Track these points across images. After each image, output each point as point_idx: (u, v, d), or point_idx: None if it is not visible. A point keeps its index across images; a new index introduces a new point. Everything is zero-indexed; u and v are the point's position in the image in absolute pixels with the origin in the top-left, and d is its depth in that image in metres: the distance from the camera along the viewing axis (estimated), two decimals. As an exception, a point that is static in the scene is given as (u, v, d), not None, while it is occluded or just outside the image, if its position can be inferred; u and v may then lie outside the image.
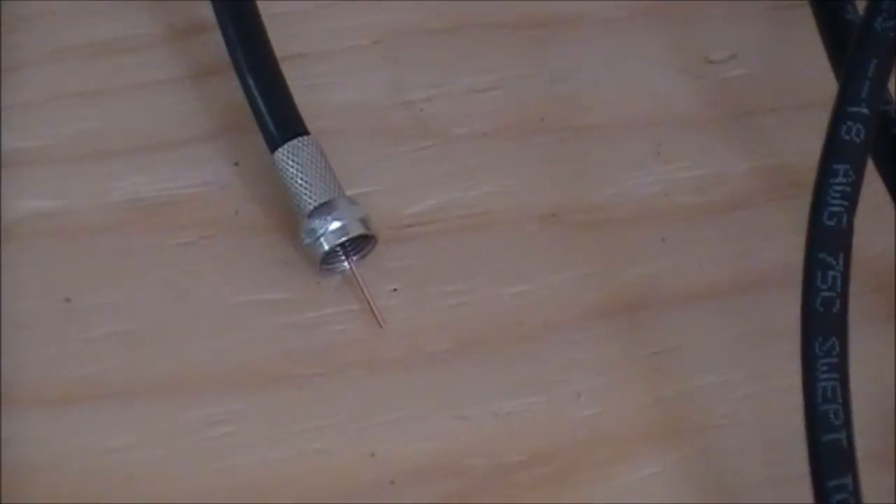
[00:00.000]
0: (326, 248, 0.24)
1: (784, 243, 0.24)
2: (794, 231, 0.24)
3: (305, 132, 0.25)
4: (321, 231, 0.24)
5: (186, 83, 0.26)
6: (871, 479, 0.20)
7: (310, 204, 0.24)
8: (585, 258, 0.24)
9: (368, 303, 0.24)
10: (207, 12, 0.26)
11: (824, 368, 0.20)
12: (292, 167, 0.24)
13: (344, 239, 0.24)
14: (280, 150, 0.25)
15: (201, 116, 0.27)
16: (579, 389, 0.23)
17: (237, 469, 0.22)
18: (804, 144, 0.25)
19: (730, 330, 0.24)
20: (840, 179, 0.20)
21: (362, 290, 0.24)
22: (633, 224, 0.25)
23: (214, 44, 0.26)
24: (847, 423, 0.20)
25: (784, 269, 0.24)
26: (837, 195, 0.20)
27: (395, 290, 0.25)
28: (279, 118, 0.25)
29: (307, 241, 0.24)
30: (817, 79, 0.25)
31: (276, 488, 0.22)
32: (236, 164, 0.26)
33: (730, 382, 0.23)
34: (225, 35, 0.25)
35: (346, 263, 0.24)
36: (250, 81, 0.25)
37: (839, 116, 0.21)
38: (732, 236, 0.25)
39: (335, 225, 0.24)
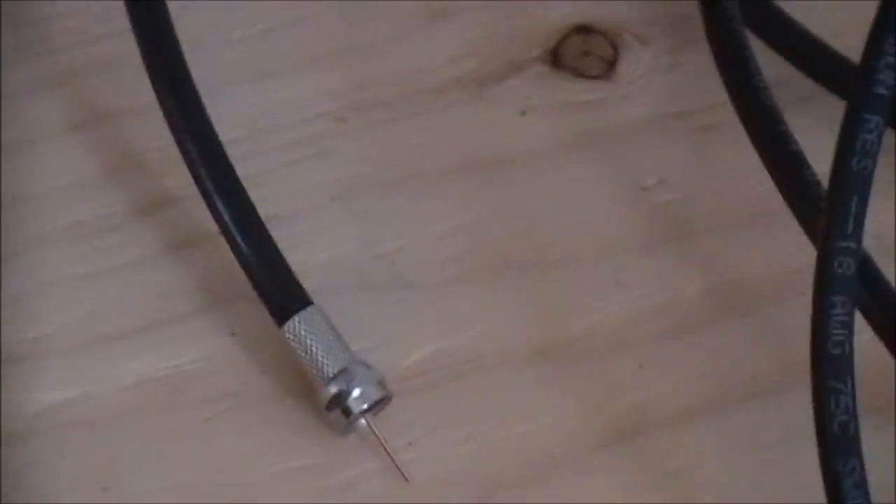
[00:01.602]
0: (352, 414, 0.26)
1: (749, 357, 0.27)
2: (754, 344, 0.27)
3: (310, 302, 0.26)
4: (345, 399, 0.26)
5: (169, 257, 0.28)
6: None
7: (329, 372, 0.26)
8: (576, 392, 0.27)
9: (392, 460, 0.26)
10: (175, 183, 0.28)
11: (850, 484, 0.22)
12: (308, 338, 0.26)
13: (366, 406, 0.26)
14: (291, 321, 0.26)
15: (189, 289, 0.28)
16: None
17: None
18: (745, 260, 0.29)
19: (725, 444, 0.26)
20: (838, 311, 0.23)
21: (385, 449, 0.26)
22: (610, 354, 0.27)
23: (185, 216, 0.29)
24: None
25: (755, 382, 0.27)
26: (838, 325, 0.23)
27: (409, 443, 0.27)
28: (284, 291, 0.27)
29: (332, 409, 0.26)
30: (744, 195, 0.29)
31: None
32: (233, 334, 0.28)
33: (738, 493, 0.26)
34: (214, 212, 0.27)
35: (362, 421, 0.26)
36: (250, 259, 0.27)
37: (830, 252, 0.24)
38: (701, 356, 0.28)
39: (357, 392, 0.26)
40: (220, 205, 0.27)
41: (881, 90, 0.25)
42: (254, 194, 0.28)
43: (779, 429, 0.26)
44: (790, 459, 0.26)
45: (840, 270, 0.24)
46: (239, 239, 0.27)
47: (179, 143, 0.28)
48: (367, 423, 0.26)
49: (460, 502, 0.27)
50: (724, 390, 0.28)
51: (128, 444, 0.26)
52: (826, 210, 0.25)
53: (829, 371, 0.23)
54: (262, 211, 0.29)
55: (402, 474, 0.26)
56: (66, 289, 0.27)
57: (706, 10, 0.32)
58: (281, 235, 0.28)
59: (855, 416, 0.23)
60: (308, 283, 0.28)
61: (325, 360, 0.27)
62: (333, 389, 0.26)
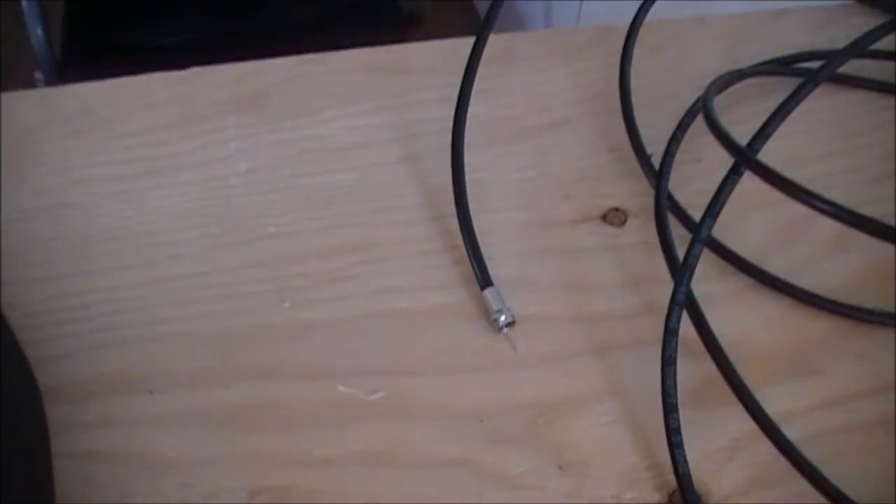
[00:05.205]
0: (500, 326, 0.43)
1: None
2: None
3: (492, 283, 0.43)
4: (498, 320, 0.43)
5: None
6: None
7: (494, 309, 0.43)
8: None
9: (512, 344, 0.43)
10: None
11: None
12: (490, 296, 0.43)
13: (504, 324, 0.43)
14: (486, 290, 0.43)
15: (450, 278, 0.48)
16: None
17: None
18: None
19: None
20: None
21: (510, 340, 0.43)
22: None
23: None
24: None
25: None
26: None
27: (516, 344, 0.43)
28: (484, 275, 0.44)
29: (494, 323, 0.43)
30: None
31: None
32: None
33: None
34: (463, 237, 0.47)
35: (504, 330, 0.43)
36: (475, 263, 0.45)
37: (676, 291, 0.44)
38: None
39: (502, 318, 0.43)
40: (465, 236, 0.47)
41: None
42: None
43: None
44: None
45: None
46: (473, 257, 0.46)
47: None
48: (504, 330, 0.43)
49: (533, 361, 0.42)
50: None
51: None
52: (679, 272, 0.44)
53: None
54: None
55: (514, 347, 0.42)
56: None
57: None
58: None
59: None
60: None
61: (494, 305, 0.43)
62: (494, 316, 0.43)
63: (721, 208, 0.43)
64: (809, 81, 0.44)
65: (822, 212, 0.38)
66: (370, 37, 1.50)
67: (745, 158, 0.41)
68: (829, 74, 0.45)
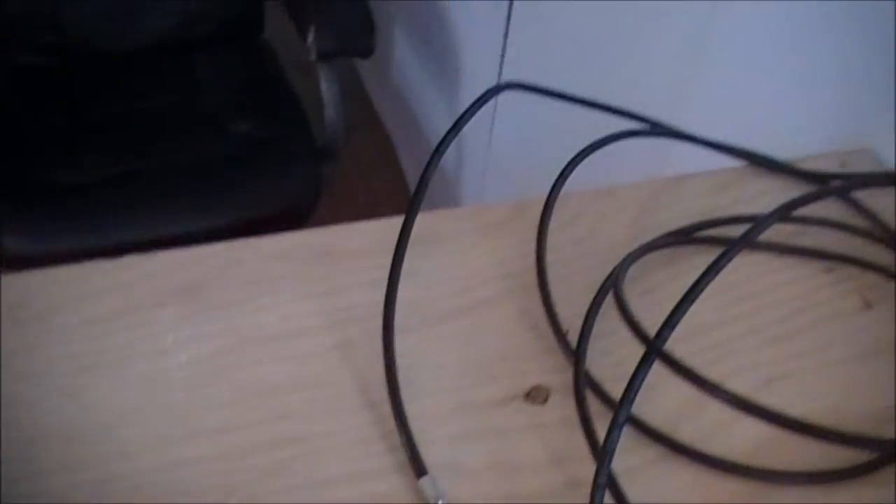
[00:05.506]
0: None
1: None
2: None
3: (426, 472, 0.46)
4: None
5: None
6: None
7: (430, 497, 0.46)
8: None
9: None
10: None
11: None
12: (425, 484, 0.47)
13: None
14: (421, 479, 0.46)
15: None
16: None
17: None
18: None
19: None
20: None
21: None
22: None
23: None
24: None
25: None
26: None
27: None
28: (419, 465, 0.47)
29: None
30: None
31: None
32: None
33: None
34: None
35: None
36: (405, 442, 0.50)
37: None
38: None
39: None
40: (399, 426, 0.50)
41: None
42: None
43: None
44: None
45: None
46: (407, 446, 0.49)
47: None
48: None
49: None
50: None
51: None
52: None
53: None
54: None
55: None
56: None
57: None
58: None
59: None
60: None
61: (429, 493, 0.46)
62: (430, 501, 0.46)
63: (636, 394, 0.46)
64: (710, 272, 0.48)
65: (725, 401, 0.43)
66: (285, 170, 1.55)
67: (654, 349, 0.45)
68: (728, 262, 0.49)
